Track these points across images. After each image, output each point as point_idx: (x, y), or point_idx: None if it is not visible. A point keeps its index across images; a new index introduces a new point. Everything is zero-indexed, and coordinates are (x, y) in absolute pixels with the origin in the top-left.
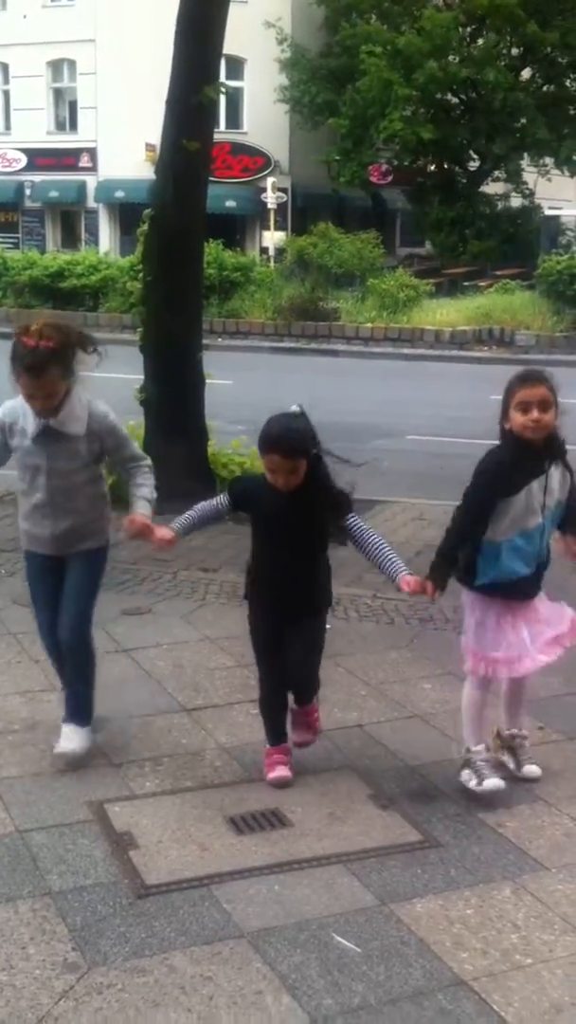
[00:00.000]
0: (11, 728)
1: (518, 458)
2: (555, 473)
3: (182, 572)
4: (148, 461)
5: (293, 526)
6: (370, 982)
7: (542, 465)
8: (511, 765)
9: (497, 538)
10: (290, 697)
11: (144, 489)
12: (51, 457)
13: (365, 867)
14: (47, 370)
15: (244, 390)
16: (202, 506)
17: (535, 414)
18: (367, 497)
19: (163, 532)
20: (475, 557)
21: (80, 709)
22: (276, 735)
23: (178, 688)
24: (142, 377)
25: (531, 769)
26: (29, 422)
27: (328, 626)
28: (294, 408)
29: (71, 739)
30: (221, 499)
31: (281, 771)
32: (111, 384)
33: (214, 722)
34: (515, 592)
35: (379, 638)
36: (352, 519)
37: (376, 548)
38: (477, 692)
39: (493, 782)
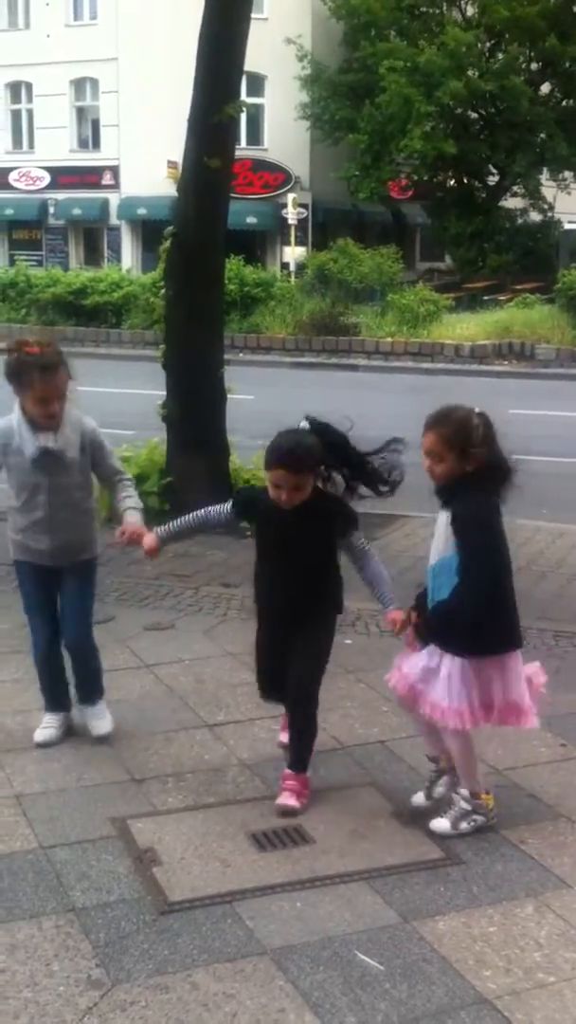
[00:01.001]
0: (34, 744)
1: None
2: (440, 521)
3: (204, 587)
4: (130, 475)
5: (294, 541)
6: (393, 1000)
7: (439, 509)
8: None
9: None
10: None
11: (132, 500)
12: (52, 475)
13: (387, 884)
14: (58, 369)
15: (265, 405)
16: (206, 510)
17: (426, 463)
18: (387, 512)
19: (149, 540)
20: None
21: (95, 685)
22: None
23: (200, 704)
24: (164, 393)
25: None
26: (26, 443)
27: (348, 641)
28: (303, 424)
29: (102, 720)
30: (225, 507)
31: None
32: (134, 400)
33: (236, 738)
34: None
35: (400, 653)
36: (357, 537)
37: (374, 575)
38: (462, 740)
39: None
